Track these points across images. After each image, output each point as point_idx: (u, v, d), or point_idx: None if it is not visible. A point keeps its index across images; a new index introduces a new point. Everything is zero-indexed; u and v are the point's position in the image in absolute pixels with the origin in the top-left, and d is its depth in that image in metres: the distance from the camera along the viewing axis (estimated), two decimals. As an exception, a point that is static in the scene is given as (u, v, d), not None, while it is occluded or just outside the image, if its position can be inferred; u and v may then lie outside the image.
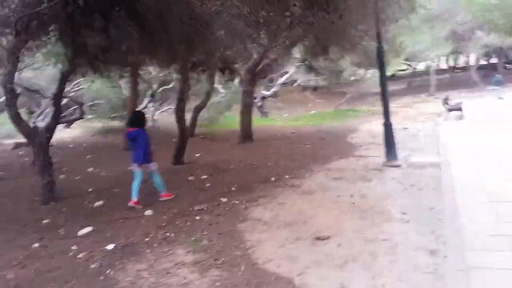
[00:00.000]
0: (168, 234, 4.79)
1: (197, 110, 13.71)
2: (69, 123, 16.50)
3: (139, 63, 10.87)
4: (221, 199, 6.20)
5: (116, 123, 15.75)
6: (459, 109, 14.11)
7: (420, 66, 38.17)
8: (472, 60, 29.95)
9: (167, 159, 8.99)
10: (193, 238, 4.62)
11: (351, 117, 17.61)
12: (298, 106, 25.59)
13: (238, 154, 10.03)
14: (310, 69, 13.26)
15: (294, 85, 29.20)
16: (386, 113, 8.01)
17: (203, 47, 8.38)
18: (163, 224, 5.12)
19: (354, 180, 6.92)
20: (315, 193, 6.24)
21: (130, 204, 6.03)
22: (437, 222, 4.66)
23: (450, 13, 23.93)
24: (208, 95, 13.65)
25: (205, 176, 7.72)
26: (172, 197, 6.45)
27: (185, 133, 8.83)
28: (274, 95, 26.17)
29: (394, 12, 8.06)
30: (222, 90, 19.93)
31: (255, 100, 19.29)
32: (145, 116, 6.77)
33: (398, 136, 12.15)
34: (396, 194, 5.93)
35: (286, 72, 19.21)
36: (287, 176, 7.49)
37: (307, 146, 10.66)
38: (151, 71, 15.12)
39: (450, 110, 14.39)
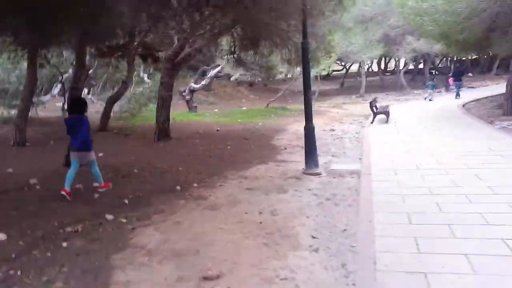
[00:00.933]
0: (12, 271, 3.64)
1: (111, 101, 12.29)
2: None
3: (36, 43, 9.26)
4: (107, 215, 5.12)
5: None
6: (386, 113, 14.13)
7: (354, 67, 39.33)
8: (401, 64, 31.13)
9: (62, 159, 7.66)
10: (45, 278, 3.53)
11: (281, 116, 17.11)
12: (231, 101, 24.74)
13: (148, 154, 8.90)
14: (240, 63, 12.38)
15: (231, 79, 28.34)
16: (308, 116, 7.37)
17: (111, 27, 7.18)
18: (13, 256, 3.94)
19: (268, 191, 6.19)
20: (221, 209, 5.39)
21: (62, 192, 5.79)
22: (349, 251, 4.01)
23: (384, 16, 24.46)
24: (125, 84, 12.27)
25: (97, 184, 6.54)
26: (110, 187, 6.35)
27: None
28: (207, 88, 25.09)
29: (322, 4, 7.43)
30: (148, 80, 18.46)
31: (184, 93, 18.10)
32: (86, 103, 6.41)
33: (323, 138, 11.88)
34: (310, 210, 5.27)
35: (218, 65, 18.21)
36: (195, 185, 6.57)
37: (228, 147, 9.81)
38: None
39: (376, 113, 14.38)
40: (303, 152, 8.60)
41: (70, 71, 16.72)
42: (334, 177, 7.07)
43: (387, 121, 14.00)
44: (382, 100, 22.78)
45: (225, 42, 11.90)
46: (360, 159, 8.59)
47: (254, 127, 13.77)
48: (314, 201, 5.68)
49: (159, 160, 8.29)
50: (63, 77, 15.31)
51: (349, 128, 13.76)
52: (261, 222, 4.82)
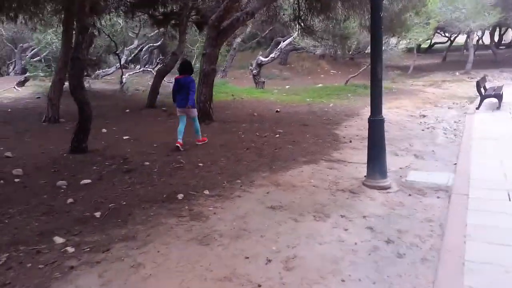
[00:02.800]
0: None
1: (160, 74, 11.00)
2: (21, 82, 14.12)
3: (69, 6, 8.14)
4: (56, 238, 3.63)
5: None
6: (498, 96, 10.78)
7: (460, 39, 33.61)
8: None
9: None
10: None
11: (360, 95, 14.44)
12: (309, 76, 22.36)
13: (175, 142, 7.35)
14: (307, 31, 10.14)
15: (316, 52, 25.69)
16: (376, 103, 5.06)
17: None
18: None
19: (301, 213, 4.18)
20: (214, 244, 3.55)
21: (177, 144, 6.59)
22: None
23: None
24: (174, 56, 10.87)
25: (87, 181, 5.14)
26: (206, 141, 7.12)
27: (86, 111, 6.17)
28: (283, 62, 23.03)
29: None
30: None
31: (250, 67, 16.34)
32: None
33: (408, 128, 9.21)
34: (352, 266, 3.17)
35: (291, 36, 16.00)
36: (206, 192, 4.81)
37: (277, 136, 7.83)
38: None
39: (485, 96, 11.06)
40: None
41: (136, 42, 16.03)
42: (409, 195, 4.77)
43: (499, 107, 10.69)
44: (494, 79, 18.52)
45: (288, 4, 9.70)
46: (454, 164, 6.03)
47: (322, 109, 11.51)
48: (365, 243, 3.54)
49: (183, 150, 6.68)
50: (123, 49, 14.54)
51: (446, 115, 10.80)
52: (259, 286, 2.88)
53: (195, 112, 7.00)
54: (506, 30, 34.10)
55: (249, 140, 7.39)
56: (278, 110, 11.11)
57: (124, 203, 4.44)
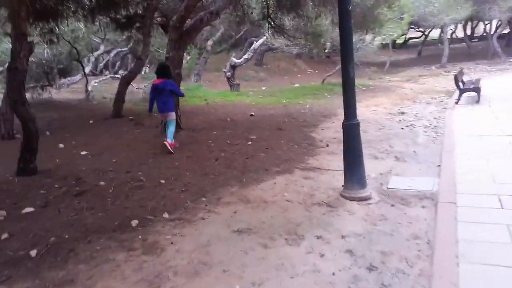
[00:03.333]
0: None
1: (125, 81, 10.34)
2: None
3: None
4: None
5: None
6: (476, 90, 10.52)
7: (434, 34, 33.83)
8: (492, 28, 25.69)
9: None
10: None
11: (337, 94, 14.00)
12: (285, 76, 21.93)
13: (140, 154, 6.74)
14: (278, 30, 9.65)
15: (293, 52, 25.20)
16: (349, 105, 4.57)
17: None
18: None
19: (270, 237, 3.65)
20: (166, 285, 2.99)
21: (169, 147, 6.59)
22: None
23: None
24: (140, 61, 10.22)
25: (30, 210, 4.49)
26: (177, 145, 6.90)
27: (30, 128, 5.49)
28: (258, 63, 22.57)
29: None
30: (187, 56, 16.39)
31: (224, 70, 15.77)
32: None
33: (387, 126, 8.81)
34: (330, 304, 2.66)
35: (264, 36, 15.51)
36: (166, 216, 4.23)
37: (249, 143, 7.30)
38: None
39: (464, 90, 10.80)
40: None
41: (102, 47, 15.25)
42: (392, 205, 4.31)
43: (478, 101, 10.43)
44: (470, 72, 18.46)
45: (256, 2, 9.19)
46: (438, 166, 5.61)
47: (299, 110, 11.04)
48: (344, 272, 3.03)
49: (145, 165, 6.08)
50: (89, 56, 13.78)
51: (425, 111, 10.50)
52: None
53: (173, 115, 6.96)
54: (478, 23, 34.50)
55: (219, 149, 6.83)
56: (253, 114, 10.59)
57: (67, 236, 3.82)
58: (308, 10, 9.69)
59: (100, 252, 3.51)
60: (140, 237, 3.78)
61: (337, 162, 5.86)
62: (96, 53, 15.56)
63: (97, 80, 14.57)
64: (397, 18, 15.15)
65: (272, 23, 9.54)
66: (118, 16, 11.02)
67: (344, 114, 4.59)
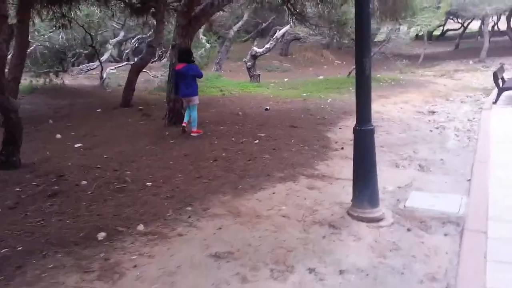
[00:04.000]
0: None
1: (135, 69, 9.86)
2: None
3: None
4: None
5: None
6: (519, 89, 9.41)
7: (474, 26, 31.69)
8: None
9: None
10: None
11: (363, 89, 13.12)
12: (311, 67, 21.00)
13: (137, 149, 6.23)
14: (299, 17, 8.86)
15: (322, 42, 24.07)
16: (363, 109, 3.84)
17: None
18: None
19: (252, 267, 3.02)
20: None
21: (193, 134, 6.72)
22: None
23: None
24: (151, 48, 9.71)
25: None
26: (201, 133, 6.88)
27: (13, 119, 5.04)
28: (284, 53, 21.74)
29: None
30: (206, 44, 15.82)
31: (245, 59, 15.09)
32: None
33: (413, 127, 7.92)
34: None
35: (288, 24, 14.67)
36: (140, 228, 3.67)
37: (256, 141, 6.64)
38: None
39: (504, 89, 9.69)
40: None
41: (122, 33, 14.89)
42: (408, 230, 3.58)
43: (521, 102, 9.32)
44: (512, 68, 16.96)
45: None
46: (468, 180, 4.79)
47: (318, 105, 10.25)
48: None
49: (137, 162, 5.55)
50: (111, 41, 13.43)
51: (458, 111, 9.50)
52: None
53: (196, 100, 6.88)
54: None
55: (222, 147, 6.22)
56: (268, 108, 9.90)
57: (21, 248, 3.32)
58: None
59: (50, 272, 2.99)
60: (102, 255, 3.23)
61: (350, 169, 5.09)
62: (115, 39, 15.19)
63: (113, 67, 14.21)
64: (434, 7, 13.95)
65: (292, 10, 8.76)
66: (133, 1, 10.57)
67: (357, 117, 3.86)
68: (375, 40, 16.94)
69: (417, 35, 25.61)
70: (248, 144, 6.47)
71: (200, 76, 7.07)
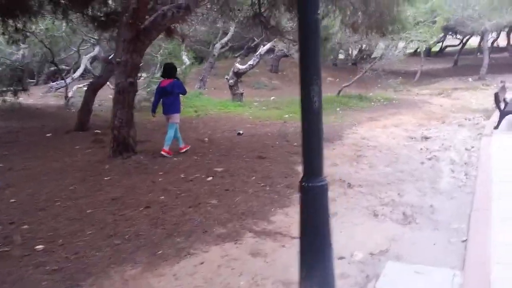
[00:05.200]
0: None
1: (92, 89, 8.81)
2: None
3: None
4: None
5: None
6: (523, 113, 8.31)
7: (473, 41, 30.85)
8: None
9: None
10: None
11: (352, 109, 12.10)
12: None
13: (59, 189, 5.11)
14: (272, 30, 7.85)
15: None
16: (312, 157, 2.72)
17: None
18: None
19: None
20: None
21: (163, 153, 6.44)
22: None
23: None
24: (110, 65, 8.69)
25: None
26: (189, 148, 6.89)
27: None
28: (274, 70, 20.79)
29: None
30: (187, 61, 14.86)
31: (227, 77, 14.08)
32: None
33: (401, 158, 6.76)
34: None
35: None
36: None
37: (208, 179, 5.50)
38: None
39: (506, 112, 8.59)
40: (346, 199, 4.29)
41: (97, 48, 13.93)
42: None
43: (525, 127, 8.22)
44: (514, 86, 15.91)
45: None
46: (463, 241, 3.65)
47: (299, 129, 9.09)
48: None
49: (46, 211, 4.42)
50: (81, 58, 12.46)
51: (455, 136, 8.41)
52: None
53: (177, 119, 6.71)
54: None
55: (163, 188, 5.09)
56: (241, 132, 8.81)
57: None
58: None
59: None
60: None
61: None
62: (89, 55, 14.20)
63: (80, 85, 13.20)
64: (429, 22, 12.98)
65: (266, 23, 7.74)
66: (97, 13, 9.60)
67: (304, 168, 2.74)
68: (372, 56, 15.92)
69: (416, 50, 24.79)
70: (198, 182, 5.33)
71: (184, 93, 6.87)
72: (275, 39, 12.52)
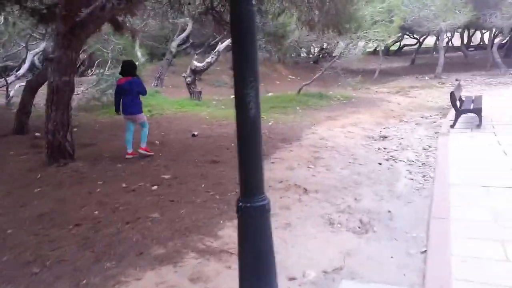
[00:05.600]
0: None
1: (30, 88, 8.05)
2: None
3: None
4: None
5: None
6: (477, 111, 8.36)
7: (429, 41, 31.82)
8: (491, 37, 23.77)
9: None
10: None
11: (311, 107, 11.89)
12: (262, 83, 19.61)
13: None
14: (225, 28, 7.43)
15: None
16: (250, 174, 2.32)
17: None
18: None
19: None
20: None
21: (128, 156, 6.18)
22: None
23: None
24: (49, 62, 7.92)
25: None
26: (152, 154, 6.38)
27: None
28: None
29: None
30: (141, 57, 14.13)
31: (184, 75, 13.51)
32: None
33: (359, 158, 6.58)
34: None
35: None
36: None
37: (153, 188, 5.02)
38: None
39: (462, 111, 8.63)
40: (301, 207, 3.96)
41: (43, 44, 12.97)
42: None
43: (480, 125, 8.27)
44: (468, 85, 16.39)
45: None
46: (423, 252, 3.42)
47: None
48: None
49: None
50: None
51: (412, 135, 8.37)
52: None
53: (143, 117, 6.44)
54: (475, 31, 32.63)
55: (99, 200, 4.56)
56: (196, 133, 8.34)
57: None
58: (267, 5, 7.49)
59: None
60: None
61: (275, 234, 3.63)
62: (34, 51, 13.19)
63: (23, 84, 12.22)
64: (386, 21, 13.01)
65: (219, 19, 7.31)
66: (37, 5, 8.80)
67: (240, 187, 2.35)
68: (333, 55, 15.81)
69: (375, 49, 25.13)
70: (141, 192, 4.84)
71: (144, 93, 6.36)
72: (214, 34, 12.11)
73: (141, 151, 6.26)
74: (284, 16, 7.96)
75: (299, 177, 5.54)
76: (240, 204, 2.27)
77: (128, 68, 6.29)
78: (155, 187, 5.03)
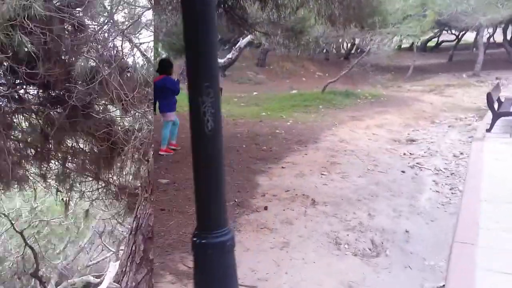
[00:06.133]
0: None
1: None
2: None
3: None
4: None
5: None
6: (519, 115, 7.50)
7: (469, 37, 30.00)
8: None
9: None
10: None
11: (335, 107, 11.24)
12: (287, 80, 19.07)
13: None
14: (240, 23, 6.99)
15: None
16: (208, 204, 1.86)
17: None
18: None
19: None
20: None
21: (161, 153, 6.17)
22: None
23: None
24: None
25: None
26: (172, 153, 6.32)
27: None
28: (261, 63, 19.87)
29: None
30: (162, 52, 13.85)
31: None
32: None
33: (383, 165, 6.00)
34: None
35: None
36: None
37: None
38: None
39: (500, 114, 7.77)
40: (305, 222, 3.57)
41: None
42: None
43: (520, 131, 7.42)
44: (509, 84, 15.16)
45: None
46: (441, 287, 2.85)
47: (273, 129, 8.30)
48: None
49: None
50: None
51: (444, 140, 7.66)
52: None
53: (169, 116, 6.40)
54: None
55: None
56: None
57: None
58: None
59: None
60: None
61: (258, 256, 3.19)
62: None
63: None
64: (420, 15, 12.12)
65: (232, 13, 6.86)
66: None
67: (197, 220, 1.89)
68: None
69: (411, 45, 23.90)
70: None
71: (177, 91, 6.31)
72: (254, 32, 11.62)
73: (161, 153, 6.22)
74: (302, 10, 7.36)
75: (308, 186, 5.03)
76: (195, 239, 1.82)
77: (162, 66, 6.31)
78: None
